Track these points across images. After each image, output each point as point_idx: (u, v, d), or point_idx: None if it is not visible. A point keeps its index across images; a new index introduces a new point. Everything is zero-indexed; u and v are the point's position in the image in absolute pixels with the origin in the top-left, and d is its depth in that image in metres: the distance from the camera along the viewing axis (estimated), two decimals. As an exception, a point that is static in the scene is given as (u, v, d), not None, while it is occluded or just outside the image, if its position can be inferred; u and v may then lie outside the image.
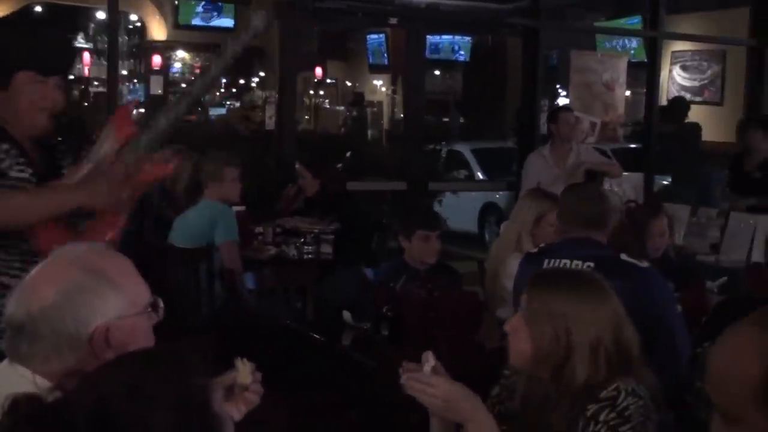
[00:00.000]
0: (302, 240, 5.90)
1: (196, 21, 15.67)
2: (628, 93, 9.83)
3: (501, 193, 11.01)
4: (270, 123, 7.81)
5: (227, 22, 16.01)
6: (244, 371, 2.00)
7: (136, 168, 2.85)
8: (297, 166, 6.54)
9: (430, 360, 2.27)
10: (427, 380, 2.22)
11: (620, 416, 2.24)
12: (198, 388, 1.40)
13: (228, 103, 17.44)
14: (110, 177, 2.80)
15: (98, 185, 2.79)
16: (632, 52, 11.86)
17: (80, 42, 16.49)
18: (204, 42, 16.89)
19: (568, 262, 3.43)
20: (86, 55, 16.27)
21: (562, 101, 12.04)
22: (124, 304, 1.74)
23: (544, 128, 8.08)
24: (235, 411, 1.99)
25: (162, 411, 1.33)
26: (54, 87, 2.91)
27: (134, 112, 2.89)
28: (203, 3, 15.46)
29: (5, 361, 1.74)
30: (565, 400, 2.31)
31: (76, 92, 16.33)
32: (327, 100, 18.26)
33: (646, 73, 9.24)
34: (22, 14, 3.19)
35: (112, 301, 1.73)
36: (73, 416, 1.31)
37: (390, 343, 3.95)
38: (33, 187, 2.79)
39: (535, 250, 3.81)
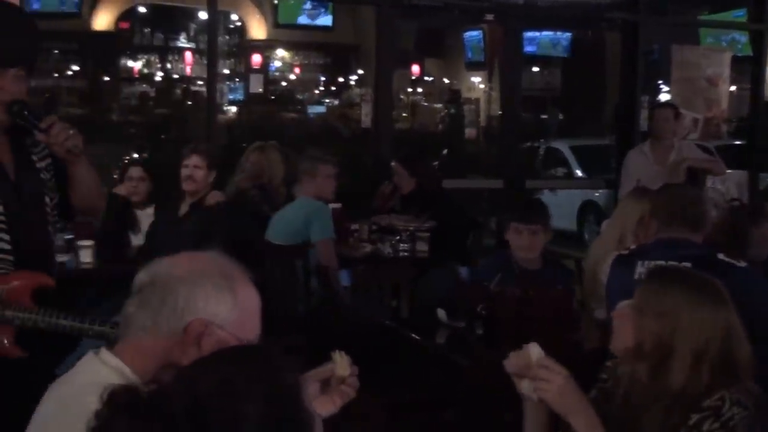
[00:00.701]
0: (398, 238, 5.90)
1: (302, 19, 15.86)
2: (732, 88, 9.57)
3: (600, 191, 10.85)
4: (366, 121, 7.83)
5: (326, 20, 16.17)
6: (341, 363, 2.01)
7: None
8: (393, 164, 6.55)
9: (537, 350, 2.25)
10: (546, 364, 2.21)
11: (724, 427, 2.16)
12: (288, 385, 1.42)
13: (327, 101, 17.56)
14: None
15: None
16: (739, 46, 11.54)
17: (182, 42, 16.81)
18: (303, 41, 17.06)
19: (663, 264, 3.34)
20: (188, 55, 16.58)
21: (664, 97, 11.78)
22: (232, 321, 1.76)
23: (644, 125, 7.93)
24: (330, 403, 2.01)
25: (253, 407, 1.36)
26: (13, 79, 2.81)
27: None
28: (308, 1, 15.64)
29: (90, 351, 1.78)
30: (660, 404, 2.25)
31: (178, 91, 16.67)
32: (424, 98, 18.24)
33: (750, 67, 8.99)
34: None
35: (224, 310, 1.76)
36: (169, 409, 1.34)
37: (484, 342, 3.92)
38: None
39: (626, 251, 3.73)
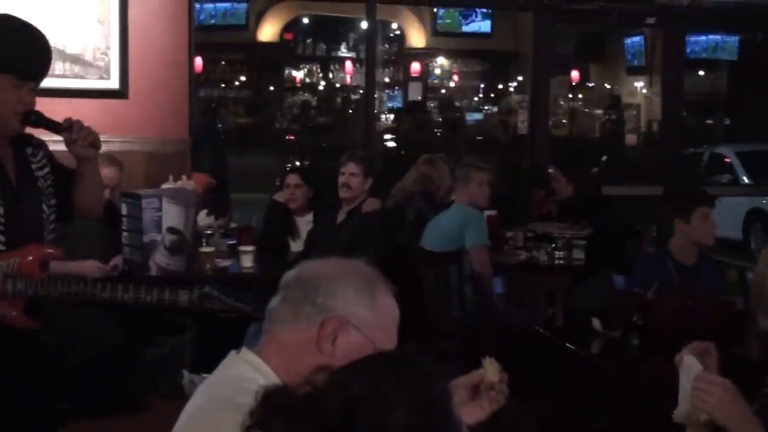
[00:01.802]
0: (553, 245, 5.84)
1: (461, 27, 15.93)
2: None
3: (768, 198, 10.45)
4: (523, 127, 7.80)
5: (485, 26, 16.16)
6: (491, 369, 2.01)
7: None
8: (551, 170, 6.49)
9: (694, 363, 2.20)
10: (705, 377, 2.16)
11: None
12: (438, 394, 1.45)
13: (485, 108, 17.54)
14: None
15: None
16: None
17: (343, 51, 17.14)
18: (462, 48, 17.10)
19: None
20: (348, 64, 16.88)
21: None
22: (368, 325, 1.78)
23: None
24: (479, 410, 2.01)
25: (402, 414, 1.38)
26: (27, 91, 2.98)
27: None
28: (464, 9, 15.68)
29: (232, 351, 1.84)
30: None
31: (339, 100, 17.00)
32: (583, 104, 17.97)
33: None
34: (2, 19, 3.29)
35: (361, 311, 1.78)
36: (323, 411, 1.38)
37: (641, 353, 3.84)
38: None
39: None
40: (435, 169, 6.24)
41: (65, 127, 3.06)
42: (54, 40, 5.79)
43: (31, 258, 2.97)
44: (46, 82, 5.92)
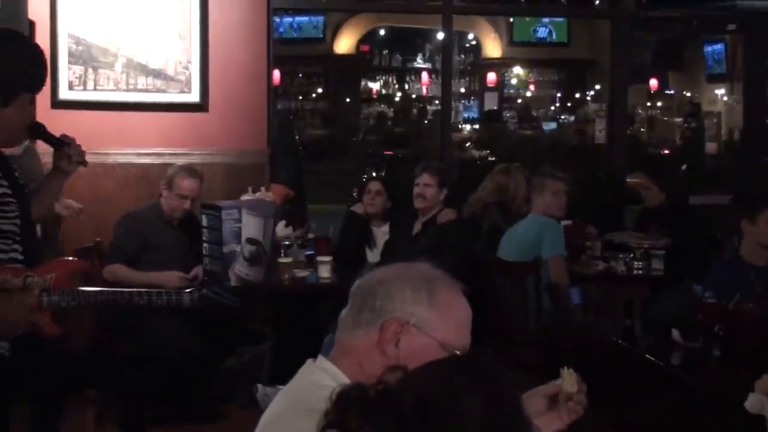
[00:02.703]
0: (631, 255, 5.77)
1: (536, 36, 15.88)
2: None
3: None
4: (601, 137, 7.73)
5: (562, 36, 16.07)
6: (569, 380, 2.00)
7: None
8: (639, 178, 6.37)
9: None
10: None
11: None
12: (508, 392, 1.46)
13: (562, 117, 17.40)
14: (26, 314, 3.02)
15: (16, 313, 2.99)
16: None
17: (419, 62, 17.17)
18: (538, 58, 17.01)
19: None
20: (424, 75, 16.91)
21: None
22: (431, 323, 1.79)
23: None
24: (557, 420, 2.01)
25: (474, 406, 1.40)
26: (29, 103, 3.10)
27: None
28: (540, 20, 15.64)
29: (309, 360, 1.88)
30: None
31: (415, 111, 17.03)
32: (662, 112, 17.70)
33: None
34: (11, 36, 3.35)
35: (421, 310, 1.79)
36: (397, 404, 1.40)
37: (723, 365, 3.77)
38: None
39: None
40: (511, 179, 6.21)
41: (65, 143, 3.26)
42: (137, 55, 5.96)
43: (64, 272, 3.20)
44: (130, 96, 6.14)
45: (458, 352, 1.80)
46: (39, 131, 3.26)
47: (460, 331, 1.83)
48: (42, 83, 3.17)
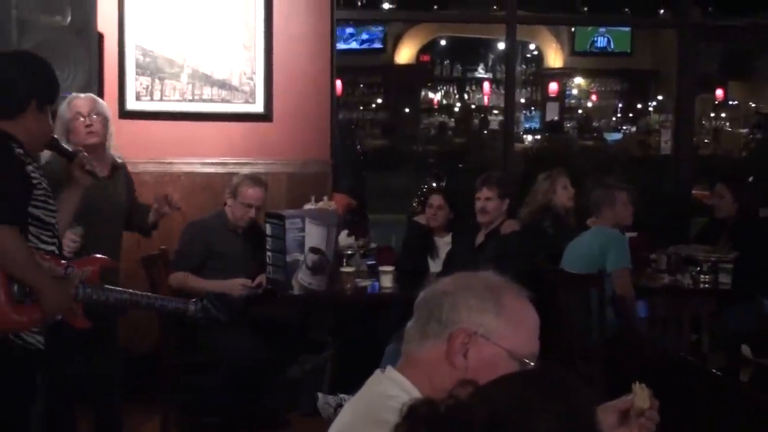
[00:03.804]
0: (698, 269, 5.68)
1: (594, 45, 15.78)
2: None
3: None
4: (666, 148, 7.63)
5: (624, 46, 15.95)
6: (641, 395, 1.97)
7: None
8: (718, 185, 6.27)
9: None
10: None
11: None
12: (582, 407, 1.44)
13: (624, 127, 17.23)
14: (69, 298, 3.30)
15: (60, 297, 3.21)
16: None
17: (480, 72, 17.14)
18: (600, 68, 16.89)
19: None
20: (485, 85, 16.88)
21: None
22: (498, 332, 1.78)
23: None
24: None
25: (548, 423, 1.38)
26: (48, 114, 3.33)
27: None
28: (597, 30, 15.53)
29: (378, 370, 1.87)
30: None
31: (475, 121, 17.00)
32: (728, 123, 17.45)
33: None
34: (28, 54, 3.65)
35: (488, 319, 1.78)
36: (468, 422, 1.39)
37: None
38: (33, 256, 3.16)
39: None
40: (554, 184, 6.16)
41: (78, 151, 3.62)
42: (202, 66, 6.03)
43: (98, 268, 3.51)
44: (195, 107, 6.22)
45: (527, 361, 1.79)
46: (52, 143, 3.53)
47: (528, 339, 1.82)
48: (55, 93, 3.40)
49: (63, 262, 3.33)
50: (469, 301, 1.79)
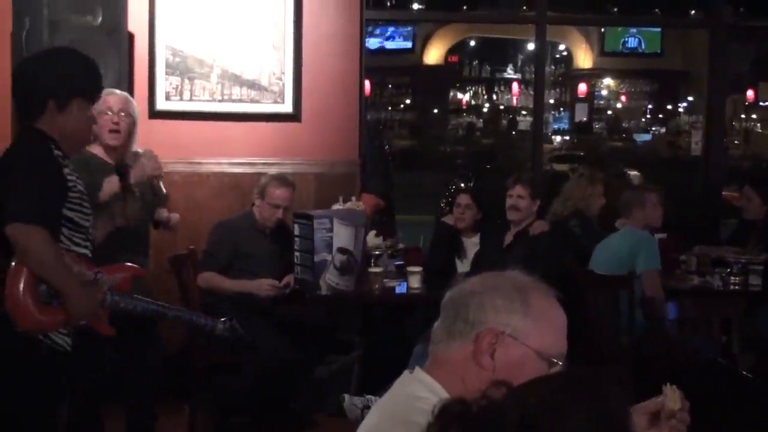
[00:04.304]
0: (728, 270, 5.64)
1: (625, 45, 15.71)
2: None
3: None
4: (696, 149, 7.58)
5: (654, 46, 15.87)
6: (672, 397, 1.95)
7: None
8: (745, 187, 6.24)
9: None
10: None
11: None
12: (615, 410, 1.43)
13: (653, 129, 17.16)
14: (96, 303, 3.25)
15: (88, 301, 3.19)
16: None
17: (509, 73, 17.11)
18: (630, 68, 16.83)
19: None
20: (514, 86, 16.85)
21: None
22: (526, 332, 1.77)
23: None
24: None
25: (580, 425, 1.37)
26: (88, 113, 3.31)
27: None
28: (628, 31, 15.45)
29: (406, 371, 1.87)
30: None
31: (504, 121, 16.98)
32: (759, 124, 17.32)
33: None
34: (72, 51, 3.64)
35: (515, 319, 1.77)
36: (500, 422, 1.38)
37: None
38: (63, 259, 3.14)
39: None
40: (586, 184, 6.15)
41: (132, 190, 3.80)
42: (231, 66, 6.05)
43: (127, 275, 3.45)
44: (225, 107, 6.24)
45: (556, 360, 1.78)
46: (120, 170, 3.71)
47: (556, 338, 1.81)
48: (94, 91, 3.36)
49: (94, 266, 3.31)
50: (496, 300, 1.78)
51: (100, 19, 4.91)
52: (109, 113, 4.46)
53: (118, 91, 4.61)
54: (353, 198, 5.89)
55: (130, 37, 5.55)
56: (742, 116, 17.02)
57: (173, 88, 6.05)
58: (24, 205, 3.05)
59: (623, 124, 16.93)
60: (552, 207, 6.19)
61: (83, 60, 3.36)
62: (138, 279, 3.64)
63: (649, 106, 17.48)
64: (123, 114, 4.51)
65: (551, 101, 16.53)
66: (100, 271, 3.31)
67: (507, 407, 1.42)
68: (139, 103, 4.86)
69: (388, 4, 13.80)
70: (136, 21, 5.71)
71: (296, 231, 5.31)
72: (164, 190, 4.78)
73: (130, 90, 5.33)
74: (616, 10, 13.38)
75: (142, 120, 4.79)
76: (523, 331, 1.76)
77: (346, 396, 5.14)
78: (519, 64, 16.95)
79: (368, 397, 5.04)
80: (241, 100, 6.10)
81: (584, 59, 16.59)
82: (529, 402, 1.42)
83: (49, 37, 4.58)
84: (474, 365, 1.76)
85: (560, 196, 6.25)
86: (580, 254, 5.68)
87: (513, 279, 1.85)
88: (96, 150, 4.47)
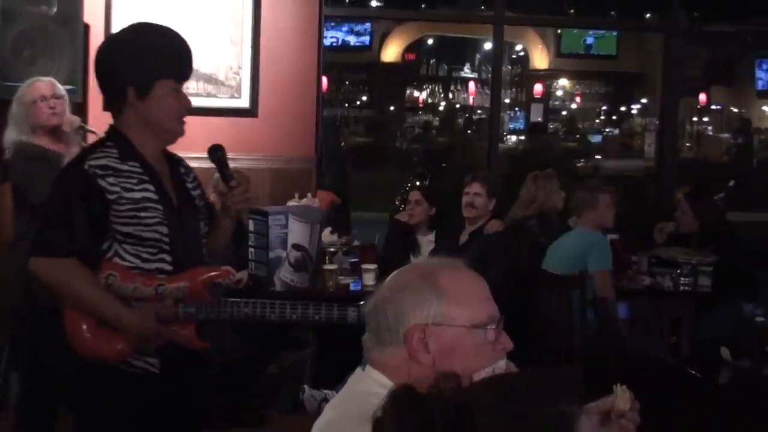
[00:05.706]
0: (678, 271, 5.71)
1: (585, 43, 15.86)
2: None
3: None
4: (649, 151, 7.68)
5: (610, 48, 16.01)
6: (623, 397, 1.97)
7: (168, 326, 2.88)
8: (679, 196, 6.31)
9: None
10: None
11: None
12: (564, 412, 1.44)
13: (606, 130, 17.31)
14: (151, 323, 2.81)
15: (140, 324, 2.80)
16: None
17: (465, 72, 17.16)
18: (585, 69, 16.95)
19: None
20: (471, 85, 16.90)
21: None
22: (447, 314, 1.77)
23: None
24: None
25: (525, 428, 1.38)
26: (183, 94, 2.96)
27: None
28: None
29: (359, 368, 1.87)
30: None
31: (460, 120, 17.03)
32: (710, 128, 17.56)
33: None
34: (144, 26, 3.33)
35: (432, 307, 1.77)
36: (434, 408, 1.40)
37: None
38: (99, 286, 2.81)
39: None
40: (542, 185, 6.19)
41: (230, 184, 3.07)
42: (188, 60, 6.00)
43: (199, 282, 2.94)
44: (181, 101, 6.13)
45: (489, 326, 1.78)
46: (215, 154, 3.13)
47: (479, 305, 1.81)
48: (179, 68, 2.99)
49: (154, 279, 2.89)
50: (408, 299, 1.79)
51: (55, 9, 4.86)
52: (44, 101, 4.46)
53: (44, 78, 4.59)
54: (309, 194, 5.88)
55: (86, 27, 5.48)
56: (694, 119, 17.23)
57: (129, 80, 5.98)
58: (35, 239, 2.85)
59: (578, 125, 17.05)
60: (511, 212, 6.20)
61: (160, 35, 3.00)
62: (217, 283, 3.09)
63: (603, 108, 17.62)
64: (55, 98, 4.51)
65: (507, 101, 16.59)
66: (161, 283, 2.88)
67: (450, 396, 1.43)
68: (93, 96, 4.82)
69: (346, 1, 13.77)
70: (91, 12, 5.65)
71: (251, 227, 5.28)
72: None
73: (86, 81, 5.27)
74: (572, 11, 13.48)
75: (96, 113, 4.74)
76: (444, 314, 1.77)
77: (306, 387, 5.14)
78: (476, 63, 16.99)
79: (326, 391, 5.04)
80: (197, 94, 6.05)
81: (541, 60, 16.69)
82: (476, 395, 1.43)
83: (2, 26, 4.52)
84: (414, 363, 1.77)
85: (520, 200, 6.25)
86: (539, 253, 5.69)
87: (417, 269, 1.87)
88: (43, 141, 4.44)
